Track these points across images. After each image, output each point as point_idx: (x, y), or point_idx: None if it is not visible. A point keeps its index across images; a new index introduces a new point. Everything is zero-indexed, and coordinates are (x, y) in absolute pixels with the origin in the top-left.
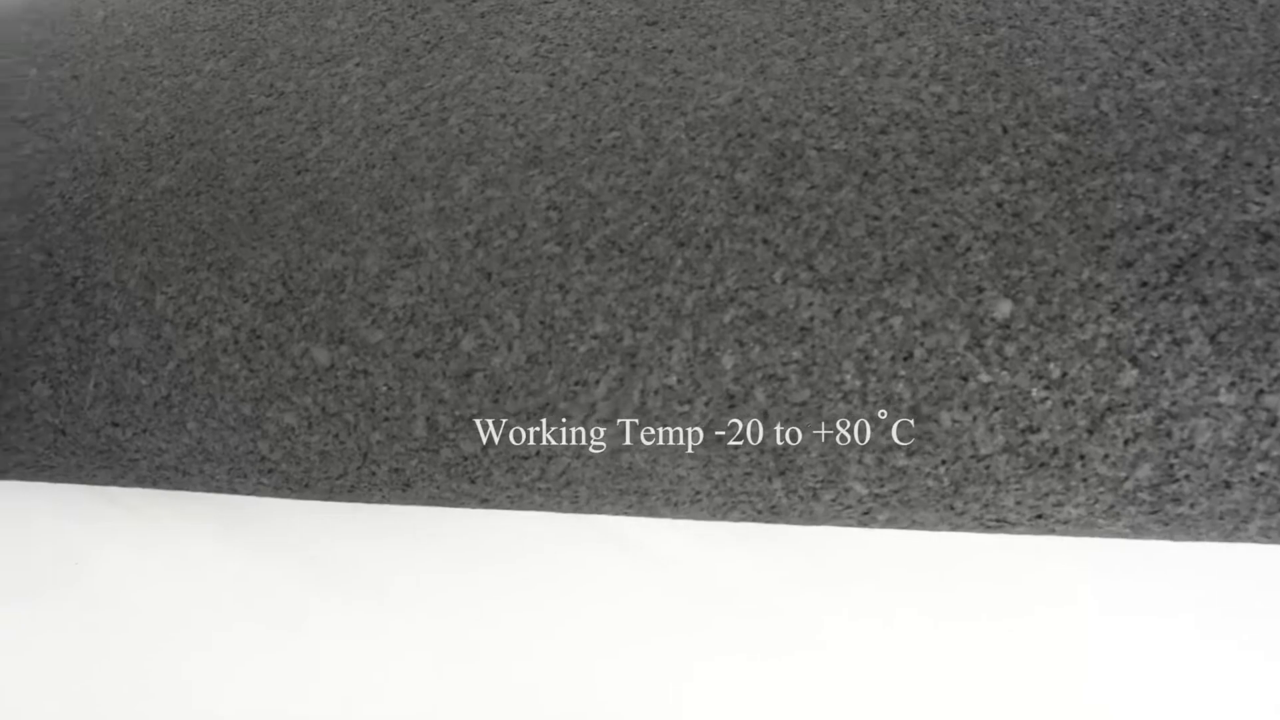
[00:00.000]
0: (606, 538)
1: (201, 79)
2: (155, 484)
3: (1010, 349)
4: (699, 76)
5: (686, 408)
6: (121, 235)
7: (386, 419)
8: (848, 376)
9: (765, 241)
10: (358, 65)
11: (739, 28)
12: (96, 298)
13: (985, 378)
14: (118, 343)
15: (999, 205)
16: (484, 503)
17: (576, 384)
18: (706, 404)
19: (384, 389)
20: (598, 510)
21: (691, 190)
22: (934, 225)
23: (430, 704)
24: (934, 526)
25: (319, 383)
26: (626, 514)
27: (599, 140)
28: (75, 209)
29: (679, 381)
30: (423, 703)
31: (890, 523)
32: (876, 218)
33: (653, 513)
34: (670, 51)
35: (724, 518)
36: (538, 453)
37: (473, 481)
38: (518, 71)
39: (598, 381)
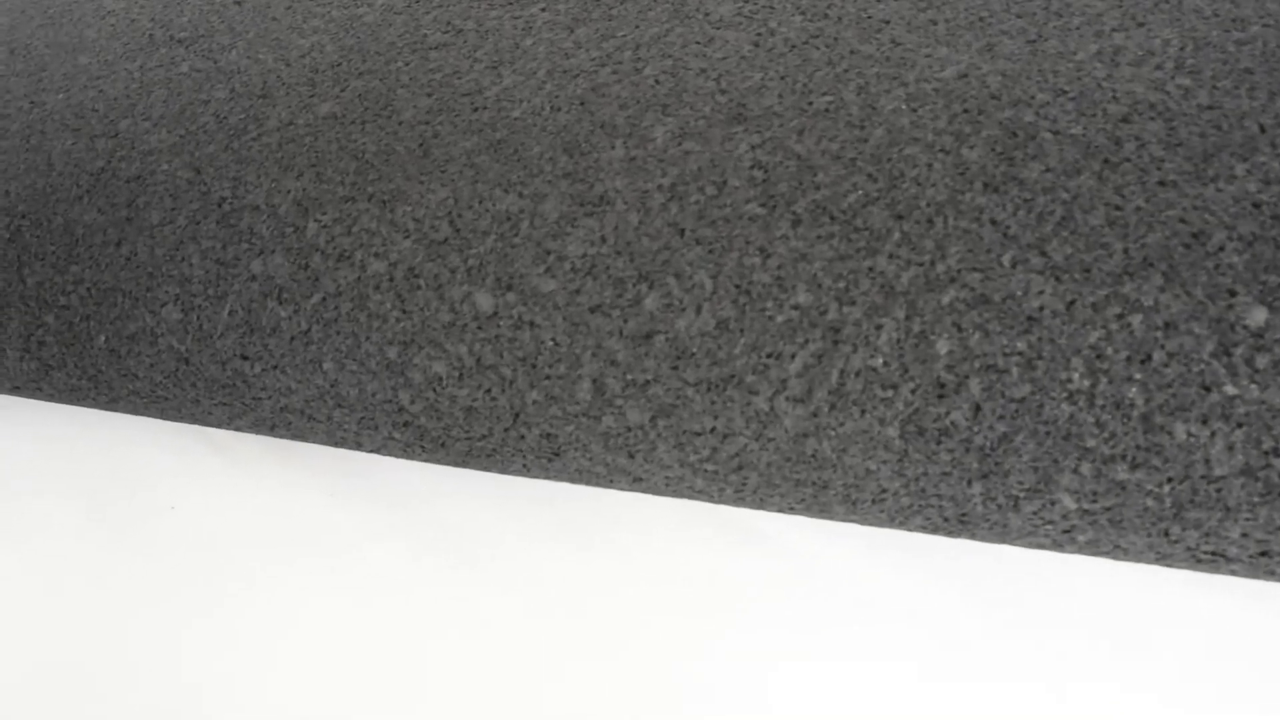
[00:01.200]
0: (729, 528)
1: (373, 11)
2: (274, 428)
3: (1262, 360)
4: (920, 49)
5: (890, 393)
6: (277, 159)
7: (548, 377)
8: (1076, 375)
9: (993, 222)
10: (543, 10)
11: (961, 5)
12: (243, 220)
13: (1231, 390)
14: (260, 269)
15: (1256, 206)
16: (636, 482)
17: (769, 356)
18: (913, 391)
19: (550, 344)
20: (761, 503)
21: (913, 162)
22: (1182, 220)
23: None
24: (1137, 556)
25: (478, 331)
26: (792, 509)
27: (810, 103)
28: (229, 129)
29: (885, 364)
30: (509, 681)
31: (1089, 546)
32: (1118, 207)
33: (824, 510)
34: (887, 22)
35: (902, 524)
36: (713, 429)
37: (631, 456)
38: (719, 29)
39: (794, 356)
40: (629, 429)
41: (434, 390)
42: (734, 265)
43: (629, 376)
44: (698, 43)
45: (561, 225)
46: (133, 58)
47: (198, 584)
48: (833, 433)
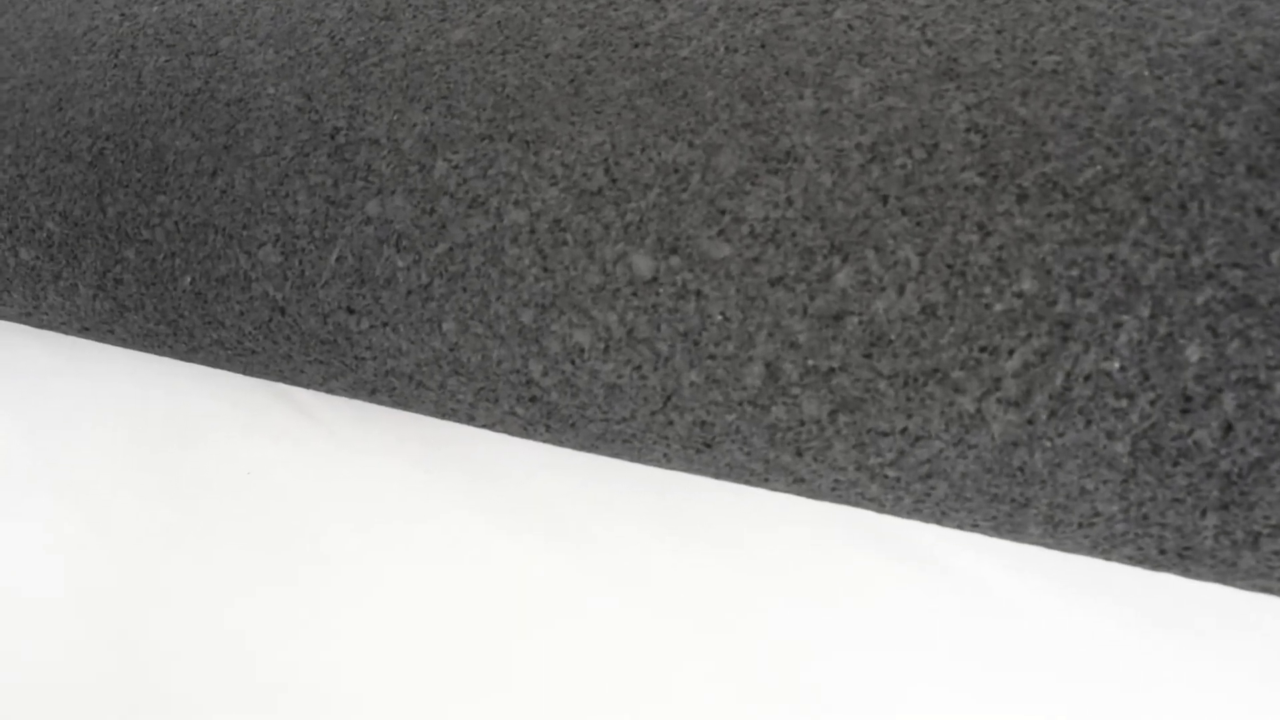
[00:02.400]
0: (864, 532)
1: None
2: (374, 392)
3: None
4: (1159, 9)
5: (1124, 403)
6: (401, 88)
7: (713, 357)
8: None
9: (1259, 212)
10: None
11: None
12: (359, 155)
13: None
14: (377, 211)
15: None
16: (797, 483)
17: (982, 350)
18: (1153, 403)
19: (719, 318)
20: (941, 516)
21: (1160, 137)
22: None
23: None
24: None
25: (633, 298)
26: (975, 526)
27: (1033, 62)
28: (346, 52)
29: (1122, 369)
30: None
31: None
32: None
33: (1014, 531)
34: None
35: (1105, 553)
36: (904, 430)
37: (800, 454)
38: None
39: (1012, 352)
40: (802, 423)
41: (572, 363)
42: (946, 242)
43: (810, 362)
44: None
45: (740, 182)
46: None
47: (275, 556)
48: (1049, 444)
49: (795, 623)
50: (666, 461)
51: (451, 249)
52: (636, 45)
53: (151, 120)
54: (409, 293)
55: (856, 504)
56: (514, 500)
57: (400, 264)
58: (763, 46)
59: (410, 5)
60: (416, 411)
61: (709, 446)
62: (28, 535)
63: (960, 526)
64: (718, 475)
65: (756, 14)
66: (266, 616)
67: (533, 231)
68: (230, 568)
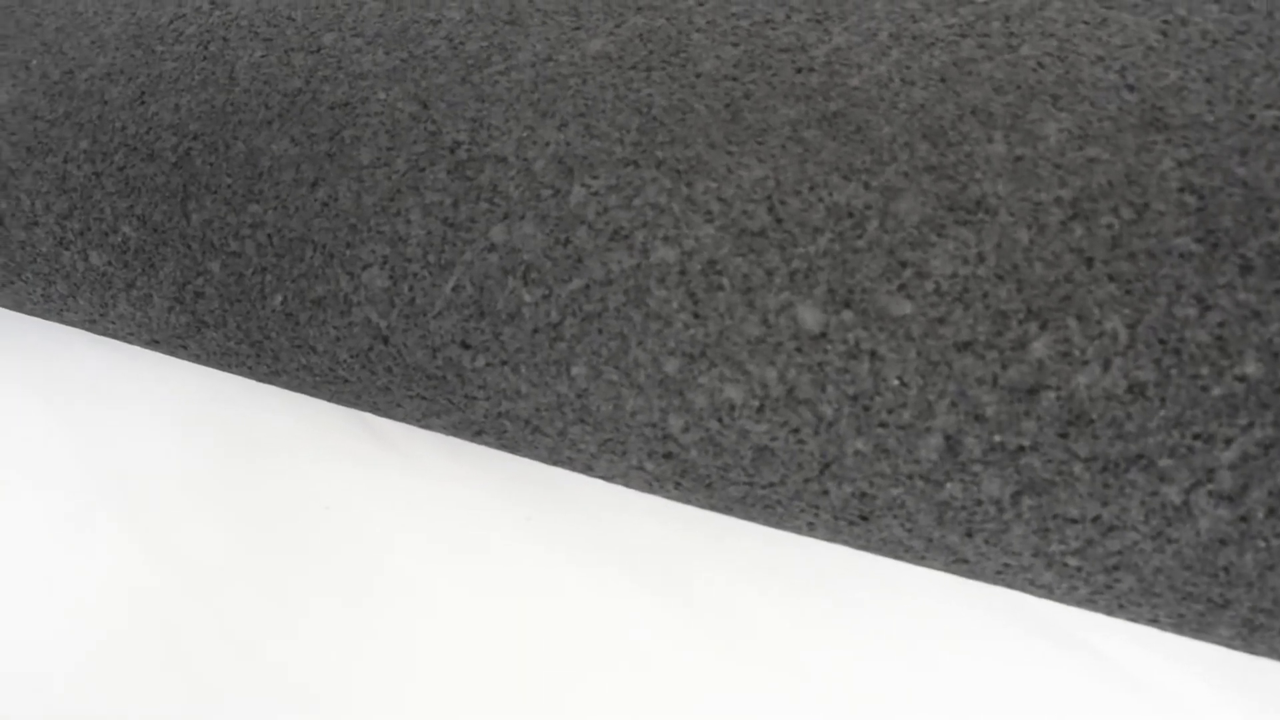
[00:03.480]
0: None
1: None
2: (480, 434)
3: None
4: None
5: None
6: (531, 101)
7: (884, 424)
8: None
9: None
10: None
11: None
12: (484, 174)
13: None
14: (503, 238)
15: None
16: (958, 563)
17: (1196, 437)
18: None
19: (895, 383)
20: (1119, 609)
21: None
22: None
23: None
24: None
25: (796, 353)
26: (1155, 622)
27: (1251, 116)
28: (467, 57)
29: None
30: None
31: None
32: None
33: (1201, 631)
34: None
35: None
36: (1096, 518)
37: (969, 535)
38: (1111, 8)
39: (1230, 441)
40: (979, 503)
41: (720, 420)
42: (1159, 314)
43: (997, 438)
44: (1086, 22)
45: (924, 232)
46: None
47: (356, 596)
48: (1263, 544)
49: (921, 695)
50: (809, 530)
51: (588, 286)
52: (800, 70)
53: (245, 121)
54: (535, 331)
55: (1021, 589)
56: (613, 544)
57: (527, 298)
58: (943, 80)
59: (538, 10)
60: (524, 456)
61: (865, 520)
62: (86, 558)
63: (1135, 620)
64: (866, 548)
65: (933, 44)
66: (340, 657)
67: (683, 272)
68: (303, 604)
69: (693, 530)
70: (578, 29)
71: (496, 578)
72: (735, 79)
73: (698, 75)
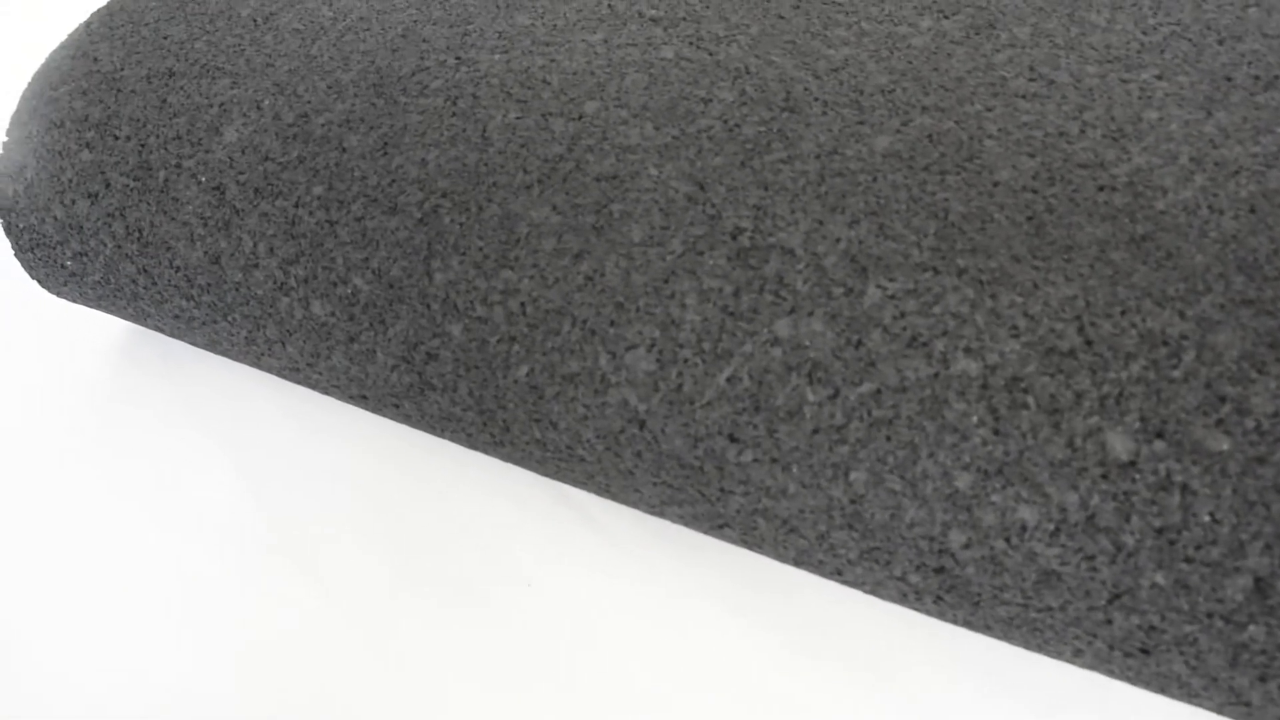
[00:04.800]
0: None
1: (921, 34)
2: (722, 528)
3: None
4: None
5: None
6: (818, 193)
7: (1189, 560)
8: None
9: None
10: (1159, 78)
11: None
12: (769, 265)
13: None
14: (788, 333)
15: None
16: (1238, 705)
17: None
18: None
19: (1206, 519)
20: None
21: None
22: None
23: None
24: None
25: (1101, 480)
26: None
27: None
28: (744, 141)
29: None
30: None
31: None
32: None
33: None
34: None
35: None
36: None
37: (1263, 680)
38: None
39: None
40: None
41: (1007, 540)
42: None
43: None
44: None
45: (1244, 368)
46: (591, 28)
47: (555, 678)
48: None
49: None
50: (1075, 656)
51: (879, 391)
52: (1102, 189)
53: (500, 184)
54: (816, 431)
55: None
56: (824, 636)
57: (811, 397)
58: (1252, 211)
59: (817, 99)
60: (764, 554)
61: (1145, 653)
62: (267, 621)
63: None
64: (1133, 681)
65: (1238, 171)
66: None
67: (985, 386)
68: (502, 679)
69: (914, 629)
70: (861, 123)
71: (701, 664)
72: (1035, 191)
73: (995, 184)
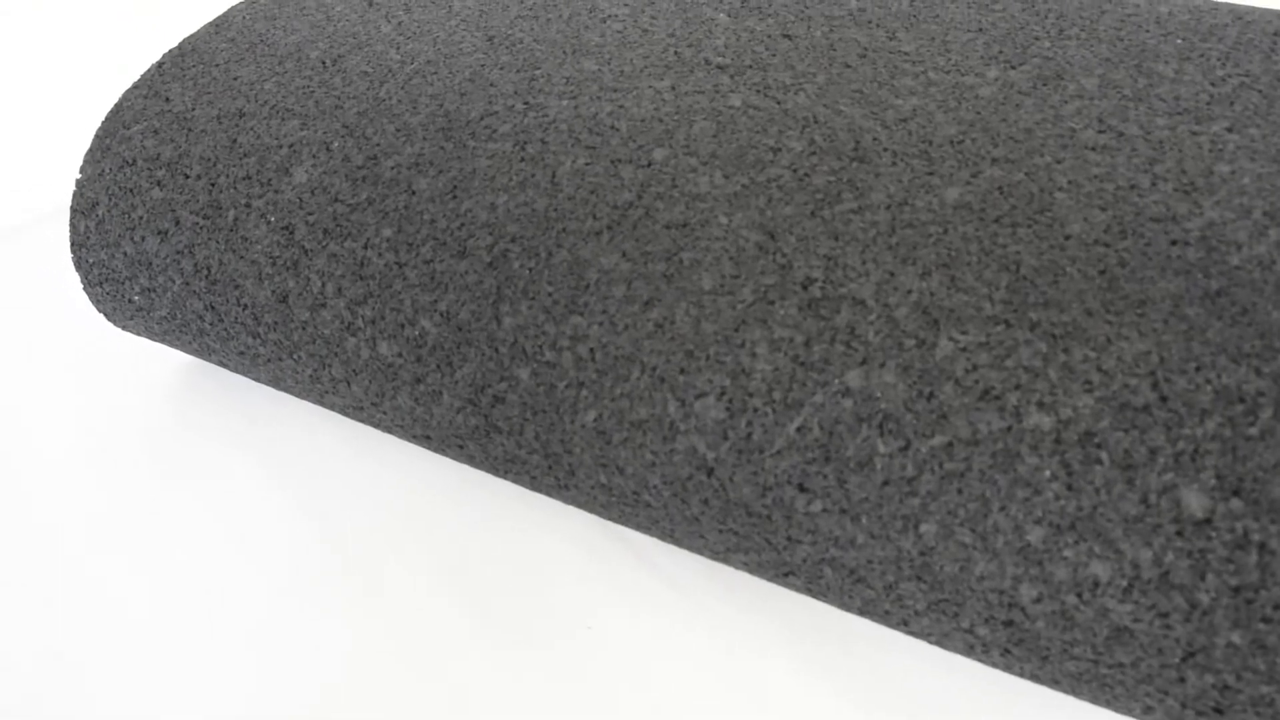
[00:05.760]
0: None
1: (988, 85)
2: (788, 575)
3: None
4: None
5: None
6: (889, 244)
7: (1266, 620)
8: None
9: None
10: (1230, 130)
11: None
12: (839, 315)
13: None
14: (859, 384)
15: None
16: None
17: None
18: None
19: None
20: None
21: None
22: None
23: None
24: None
25: (1176, 537)
26: None
27: None
28: (814, 191)
29: None
30: None
31: None
32: None
33: None
34: None
35: None
36: None
37: None
38: None
39: None
40: None
41: (1079, 595)
42: None
43: None
44: None
45: None
46: (658, 75)
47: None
48: None
49: None
50: (1145, 714)
51: (951, 444)
52: (1174, 243)
53: (570, 229)
54: (886, 483)
55: None
56: (885, 688)
57: (882, 449)
58: None
59: (885, 149)
60: (829, 602)
61: (1218, 712)
62: (320, 659)
63: None
64: None
65: None
66: None
67: (1058, 441)
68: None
69: (977, 680)
70: (931, 174)
71: (760, 712)
72: (1107, 245)
73: (1066, 237)
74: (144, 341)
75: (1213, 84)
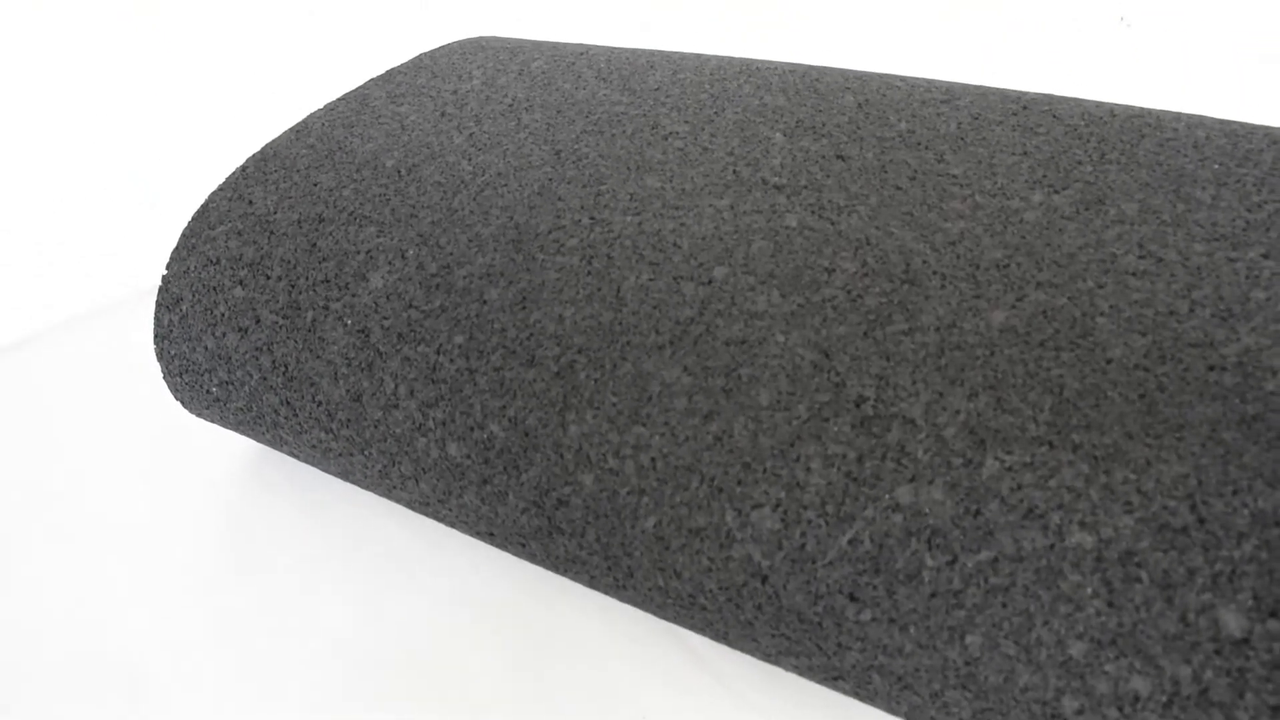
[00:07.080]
0: None
1: (1033, 210)
2: (837, 679)
3: None
4: None
5: None
6: (938, 366)
7: None
8: None
9: None
10: (1265, 256)
11: None
12: (890, 433)
13: None
14: (909, 500)
15: None
16: None
17: None
18: None
19: None
20: None
21: None
22: None
23: None
24: None
25: (1215, 655)
26: None
27: None
28: (867, 312)
29: None
30: None
31: None
32: None
33: None
34: None
35: None
36: None
37: None
38: None
39: None
40: None
41: (1120, 709)
42: None
43: None
44: None
45: None
46: (718, 194)
47: None
48: None
49: None
50: None
51: (996, 560)
52: (1212, 368)
53: (634, 343)
54: (933, 595)
55: None
56: None
57: (930, 563)
58: None
59: (935, 273)
60: (878, 707)
61: None
62: None
63: None
64: None
65: None
66: None
67: (1099, 559)
68: None
69: None
70: (978, 297)
71: None
72: (1147, 369)
73: (1108, 361)
74: (217, 428)
75: (1249, 210)
